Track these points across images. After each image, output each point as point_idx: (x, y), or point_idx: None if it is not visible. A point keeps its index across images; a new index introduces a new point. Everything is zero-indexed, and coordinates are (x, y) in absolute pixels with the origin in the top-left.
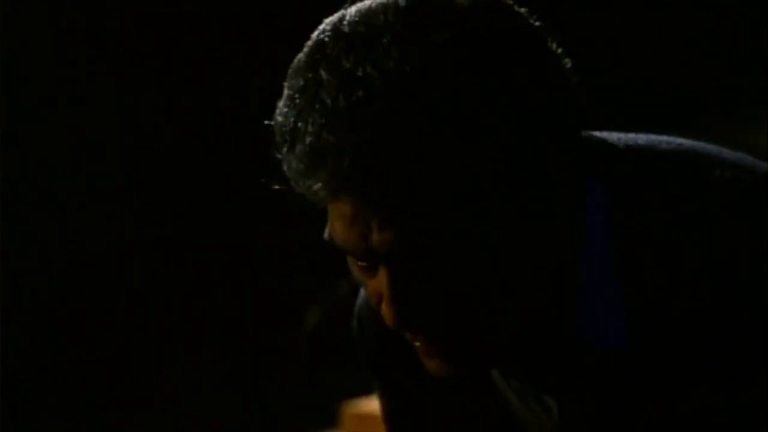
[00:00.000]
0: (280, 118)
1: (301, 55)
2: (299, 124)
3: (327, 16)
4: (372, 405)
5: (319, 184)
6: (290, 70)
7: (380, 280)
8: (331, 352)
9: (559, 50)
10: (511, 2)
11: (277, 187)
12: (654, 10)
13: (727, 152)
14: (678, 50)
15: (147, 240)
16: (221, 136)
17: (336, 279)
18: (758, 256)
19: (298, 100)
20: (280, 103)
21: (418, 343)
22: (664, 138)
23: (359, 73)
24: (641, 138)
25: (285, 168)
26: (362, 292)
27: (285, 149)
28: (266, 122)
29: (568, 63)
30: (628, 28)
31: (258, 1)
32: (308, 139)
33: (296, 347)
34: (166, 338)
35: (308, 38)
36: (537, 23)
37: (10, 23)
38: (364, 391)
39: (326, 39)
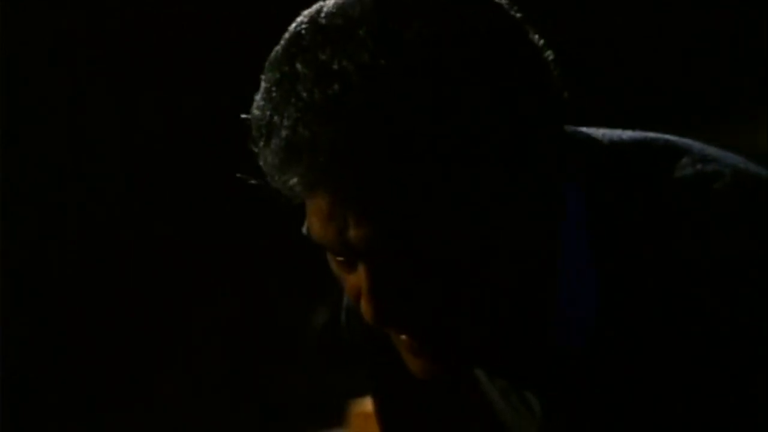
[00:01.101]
0: (256, 112)
1: (278, 48)
2: (275, 118)
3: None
4: None
5: (295, 179)
6: (267, 63)
7: (359, 276)
8: (338, 352)
9: (541, 42)
10: None
11: (253, 182)
12: (654, 10)
13: (711, 149)
14: (678, 50)
15: (151, 240)
16: (224, 135)
17: None
18: (735, 254)
19: (274, 94)
20: (257, 97)
21: (402, 337)
22: (650, 134)
23: (335, 66)
24: (626, 134)
25: (261, 162)
26: None
27: (261, 143)
28: (243, 116)
29: (550, 55)
30: (628, 28)
31: (258, 1)
32: (284, 133)
33: (303, 346)
34: (168, 338)
35: None
36: (518, 15)
37: (10, 23)
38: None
39: (303, 31)
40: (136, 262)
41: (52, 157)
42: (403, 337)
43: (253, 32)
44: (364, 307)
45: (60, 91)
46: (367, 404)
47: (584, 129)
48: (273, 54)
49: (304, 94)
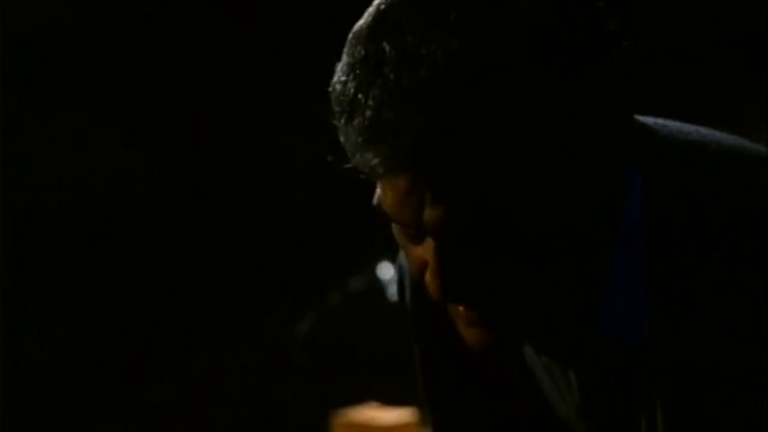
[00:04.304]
0: (338, 87)
1: (362, 23)
2: (359, 96)
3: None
4: (362, 415)
5: (377, 160)
6: (351, 37)
7: (426, 249)
8: (323, 362)
9: (618, 29)
10: None
11: (330, 158)
12: (654, 10)
13: None
14: (678, 50)
15: (152, 245)
16: (226, 138)
17: (328, 289)
18: None
19: (358, 71)
20: (339, 70)
21: (459, 308)
22: (715, 136)
23: (423, 51)
24: (692, 135)
25: (342, 139)
26: None
27: (343, 120)
28: (327, 88)
29: (626, 42)
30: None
31: (259, 2)
32: (368, 113)
33: (288, 356)
34: (159, 348)
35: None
36: (599, 2)
37: (10, 23)
38: (355, 401)
39: (390, 10)
40: (130, 270)
41: (53, 157)
42: (461, 307)
43: (255, 33)
44: (430, 281)
45: (60, 91)
46: (350, 414)
47: (650, 121)
48: (357, 28)
49: (391, 76)
